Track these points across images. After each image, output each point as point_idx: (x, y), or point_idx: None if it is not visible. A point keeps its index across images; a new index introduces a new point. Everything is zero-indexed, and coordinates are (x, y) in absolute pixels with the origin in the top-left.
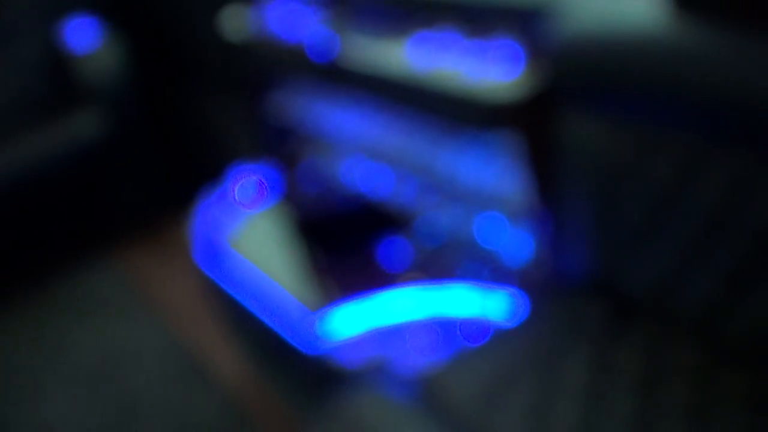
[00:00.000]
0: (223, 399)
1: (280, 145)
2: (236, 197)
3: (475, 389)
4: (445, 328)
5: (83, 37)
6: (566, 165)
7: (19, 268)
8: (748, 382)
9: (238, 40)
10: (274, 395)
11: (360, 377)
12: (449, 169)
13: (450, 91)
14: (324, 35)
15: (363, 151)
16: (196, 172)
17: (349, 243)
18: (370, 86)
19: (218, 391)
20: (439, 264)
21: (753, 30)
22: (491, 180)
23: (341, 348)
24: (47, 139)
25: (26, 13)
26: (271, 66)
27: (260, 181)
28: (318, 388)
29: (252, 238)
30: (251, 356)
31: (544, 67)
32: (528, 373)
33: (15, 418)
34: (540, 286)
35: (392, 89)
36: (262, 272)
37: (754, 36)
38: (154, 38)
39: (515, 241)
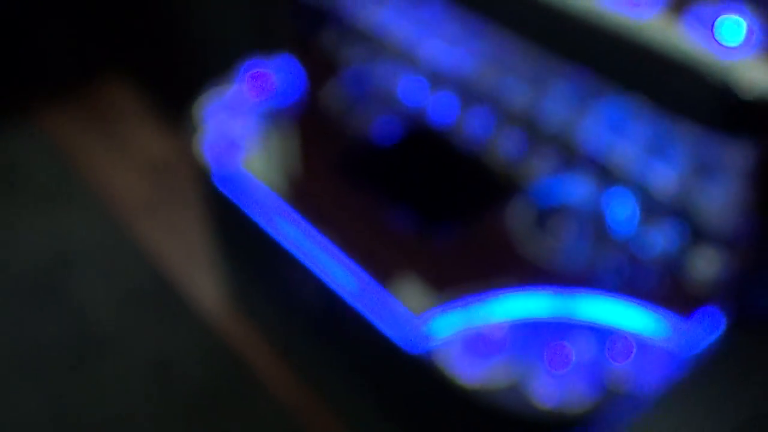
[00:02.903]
0: (205, 336)
1: (312, 38)
2: (251, 101)
3: None
4: (584, 339)
5: None
6: None
7: None
8: None
9: None
10: (264, 332)
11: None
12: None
13: (665, 54)
14: None
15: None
16: (146, 32)
17: (423, 197)
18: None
19: (197, 327)
20: (563, 256)
21: None
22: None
23: (449, 348)
24: None
25: None
26: None
27: (280, 82)
28: (411, 388)
29: (276, 158)
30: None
31: None
32: None
33: None
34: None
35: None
36: (305, 215)
37: None
38: None
39: (681, 252)
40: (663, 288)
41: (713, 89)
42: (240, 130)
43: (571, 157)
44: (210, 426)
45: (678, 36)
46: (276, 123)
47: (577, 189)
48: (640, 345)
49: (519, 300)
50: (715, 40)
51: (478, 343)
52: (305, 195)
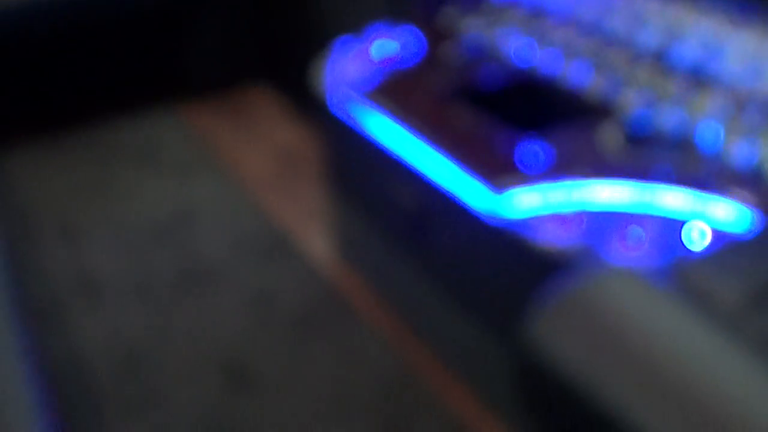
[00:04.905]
0: (310, 275)
1: (433, 7)
2: (373, 54)
3: (745, 287)
4: (660, 227)
5: None
6: None
7: (77, 105)
8: None
9: None
10: (375, 283)
11: (568, 260)
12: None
13: None
14: None
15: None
16: (286, 42)
17: (526, 121)
18: None
19: (304, 266)
20: (647, 159)
21: None
22: (747, 68)
23: (534, 224)
24: None
25: None
26: None
27: (401, 41)
28: (499, 265)
29: (397, 94)
30: (387, 231)
31: None
32: None
33: (55, 264)
34: None
35: None
36: (420, 130)
37: None
38: None
39: (753, 143)
40: (741, 185)
41: None
42: (361, 74)
43: (664, 90)
44: (307, 349)
45: None
46: (395, 72)
47: (668, 120)
48: (716, 234)
49: (599, 188)
50: None
51: (559, 222)
52: (417, 115)
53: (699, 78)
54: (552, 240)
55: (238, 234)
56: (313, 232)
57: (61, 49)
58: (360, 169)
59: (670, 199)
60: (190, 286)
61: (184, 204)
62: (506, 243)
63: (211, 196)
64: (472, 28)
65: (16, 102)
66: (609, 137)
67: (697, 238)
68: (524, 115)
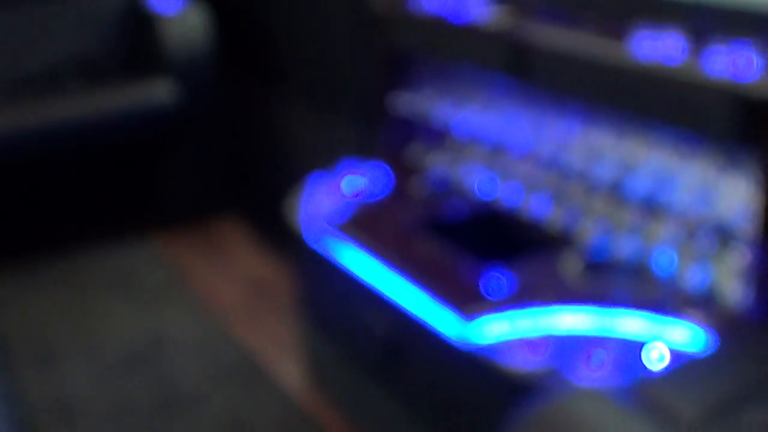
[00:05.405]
0: (284, 403)
1: (399, 144)
2: (344, 189)
3: (703, 402)
4: (620, 350)
5: (169, 4)
6: None
7: (55, 234)
8: None
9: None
10: (349, 410)
11: (536, 382)
12: (644, 181)
13: (682, 84)
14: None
15: (512, 160)
16: (257, 176)
17: (490, 251)
18: (554, 73)
19: (278, 394)
20: (606, 285)
21: None
22: (696, 196)
23: (503, 349)
24: (115, 97)
25: None
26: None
27: (370, 176)
28: (469, 390)
29: (368, 226)
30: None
31: None
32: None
33: (33, 391)
34: (730, 317)
35: (593, 77)
36: (391, 261)
37: None
38: (243, 22)
39: (705, 267)
40: (696, 307)
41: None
42: (333, 208)
43: (620, 220)
44: None
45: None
46: (365, 205)
47: (625, 247)
48: (674, 354)
49: (562, 314)
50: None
51: (526, 347)
52: (387, 246)
53: (652, 207)
54: (520, 364)
55: (212, 362)
56: (287, 360)
57: (40, 179)
58: (333, 298)
59: (629, 323)
60: (165, 414)
61: (158, 332)
62: (476, 368)
63: (185, 325)
64: (437, 163)
65: None
66: (569, 265)
67: (657, 358)
68: (488, 245)
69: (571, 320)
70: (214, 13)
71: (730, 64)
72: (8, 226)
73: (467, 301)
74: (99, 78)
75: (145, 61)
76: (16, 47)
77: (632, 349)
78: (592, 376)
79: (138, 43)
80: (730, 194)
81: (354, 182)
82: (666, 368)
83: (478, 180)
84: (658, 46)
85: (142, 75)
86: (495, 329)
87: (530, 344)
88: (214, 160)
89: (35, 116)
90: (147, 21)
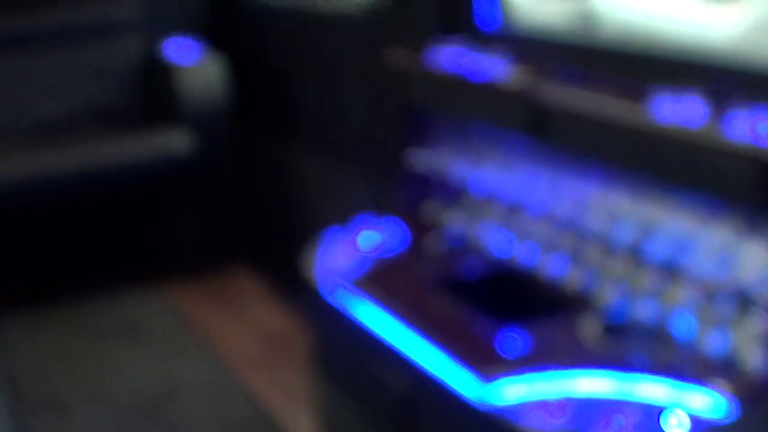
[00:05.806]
0: None
1: (416, 201)
2: (360, 244)
3: None
4: (640, 415)
5: (185, 55)
6: None
7: (68, 281)
8: None
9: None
10: None
11: None
12: (663, 249)
13: (702, 147)
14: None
15: (528, 221)
16: (271, 228)
17: (507, 310)
18: (572, 134)
19: None
20: (625, 349)
21: None
22: (716, 261)
23: (521, 411)
24: (130, 146)
25: (134, 19)
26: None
27: (386, 232)
28: None
29: (384, 282)
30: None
31: None
32: None
33: None
34: (751, 383)
35: (612, 139)
36: (406, 318)
37: None
38: (260, 74)
39: (724, 332)
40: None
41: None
42: (349, 263)
43: (639, 282)
44: None
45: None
46: (381, 261)
47: (643, 310)
48: (694, 421)
49: (581, 377)
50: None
51: (544, 409)
52: (403, 302)
53: (671, 270)
54: (538, 426)
55: (223, 413)
56: (299, 414)
57: (54, 226)
58: (348, 353)
59: (649, 388)
60: None
61: (169, 382)
62: (494, 429)
63: (197, 375)
64: (454, 220)
65: (8, 275)
66: (587, 327)
67: (676, 425)
68: (505, 305)
69: (590, 384)
70: (230, 64)
71: (751, 128)
72: (22, 272)
73: (485, 361)
74: (115, 126)
75: (161, 110)
76: (35, 94)
77: (652, 414)
78: None
79: (154, 93)
80: (751, 259)
81: (370, 238)
82: None
83: (494, 238)
84: (678, 109)
85: (158, 124)
86: (513, 391)
87: (549, 407)
88: (227, 210)
89: (51, 163)
90: (164, 71)
